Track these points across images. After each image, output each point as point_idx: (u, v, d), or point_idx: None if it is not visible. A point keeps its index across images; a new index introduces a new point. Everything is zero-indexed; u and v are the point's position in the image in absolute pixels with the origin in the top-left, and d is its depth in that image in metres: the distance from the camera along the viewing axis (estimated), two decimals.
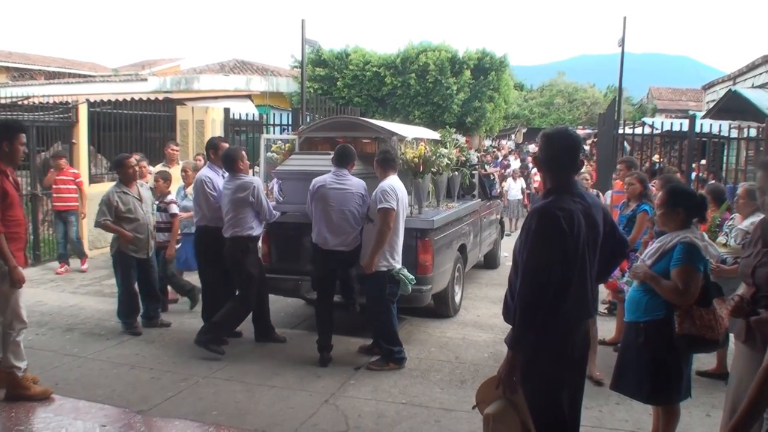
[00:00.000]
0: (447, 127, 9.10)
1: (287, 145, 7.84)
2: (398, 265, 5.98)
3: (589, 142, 23.56)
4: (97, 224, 6.68)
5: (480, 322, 7.46)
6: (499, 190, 11.31)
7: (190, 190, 7.80)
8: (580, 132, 25.05)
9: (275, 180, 7.00)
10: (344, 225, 5.96)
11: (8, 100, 10.93)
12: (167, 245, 7.48)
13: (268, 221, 6.57)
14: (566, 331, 3.06)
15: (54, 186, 9.83)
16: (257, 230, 6.42)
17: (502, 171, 19.09)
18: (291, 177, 6.77)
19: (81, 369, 5.82)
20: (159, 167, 9.03)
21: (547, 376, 3.07)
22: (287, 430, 4.62)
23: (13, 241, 4.85)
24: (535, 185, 17.53)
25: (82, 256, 10.19)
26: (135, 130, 12.68)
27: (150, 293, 7.07)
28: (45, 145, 11.29)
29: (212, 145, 6.91)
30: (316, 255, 6.11)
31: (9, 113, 10.72)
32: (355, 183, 6.05)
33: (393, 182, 5.97)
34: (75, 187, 9.90)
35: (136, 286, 6.95)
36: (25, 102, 11.73)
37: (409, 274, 6.00)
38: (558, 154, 3.15)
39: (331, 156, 6.21)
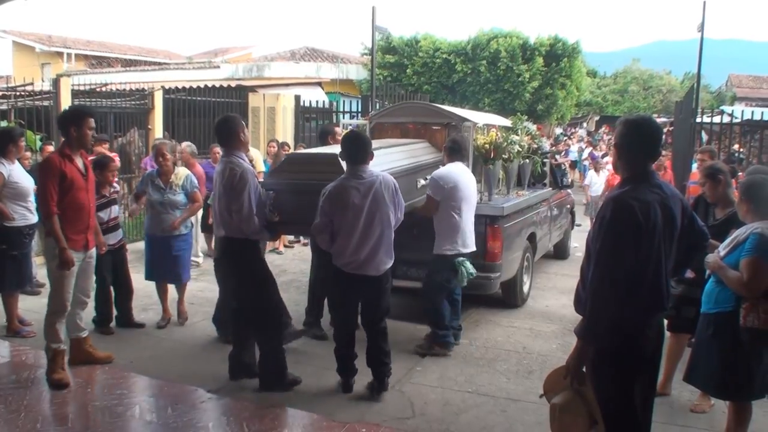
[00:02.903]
0: (518, 114, 8.95)
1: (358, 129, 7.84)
2: (465, 251, 5.93)
3: (665, 130, 22.89)
4: None
5: (548, 313, 7.34)
6: (570, 180, 11.06)
7: None
8: (659, 120, 24.33)
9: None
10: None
11: (87, 87, 11.25)
12: None
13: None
14: (639, 324, 2.98)
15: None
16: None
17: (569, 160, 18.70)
18: (285, 189, 5.13)
19: (154, 348, 5.99)
20: None
21: (617, 369, 2.99)
22: (354, 416, 4.63)
23: (71, 224, 4.95)
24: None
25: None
26: (208, 117, 12.92)
27: None
28: (122, 131, 11.63)
29: (328, 132, 7.02)
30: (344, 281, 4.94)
31: (88, 100, 11.05)
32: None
33: (447, 170, 5.96)
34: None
35: None
36: (103, 89, 12.07)
37: (470, 267, 5.92)
38: (637, 141, 3.05)
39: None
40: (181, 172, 6.51)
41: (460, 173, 5.98)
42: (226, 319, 5.77)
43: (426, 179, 6.06)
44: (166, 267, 6.53)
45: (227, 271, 5.27)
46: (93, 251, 5.33)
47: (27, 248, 6.15)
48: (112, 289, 6.39)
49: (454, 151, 6.08)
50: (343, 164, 4.88)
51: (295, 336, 5.82)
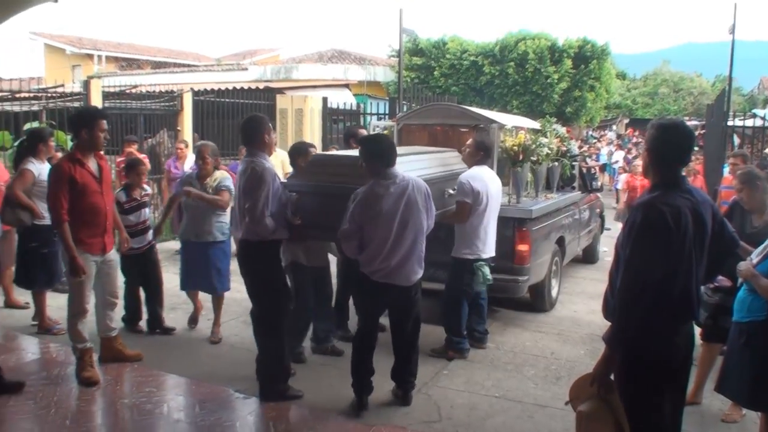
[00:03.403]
0: (546, 116, 8.88)
1: (385, 131, 7.83)
2: (484, 257, 5.85)
3: (696, 134, 22.62)
4: None
5: (577, 318, 7.27)
6: (600, 184, 10.95)
7: None
8: (689, 123, 24.02)
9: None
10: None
11: (117, 89, 11.39)
12: None
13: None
14: (668, 332, 2.93)
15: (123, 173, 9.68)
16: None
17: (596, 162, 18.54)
18: (309, 192, 4.96)
19: (183, 347, 6.03)
20: None
21: (646, 377, 2.95)
22: (381, 418, 4.63)
23: (87, 228, 4.94)
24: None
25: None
26: (236, 118, 12.99)
27: None
28: (152, 132, 11.74)
29: (352, 134, 6.88)
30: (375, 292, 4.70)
31: (118, 101, 11.18)
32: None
33: (476, 173, 5.84)
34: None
35: None
36: (133, 90, 12.21)
37: (487, 272, 5.83)
38: (669, 146, 3.01)
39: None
40: (218, 174, 6.11)
41: (488, 177, 5.92)
42: None
43: (454, 189, 5.89)
44: (200, 276, 6.16)
45: (242, 273, 4.99)
46: (112, 254, 5.31)
47: (56, 246, 6.18)
48: (142, 289, 6.38)
49: (481, 154, 5.97)
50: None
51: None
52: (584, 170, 9.91)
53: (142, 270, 6.33)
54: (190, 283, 6.31)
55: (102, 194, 5.06)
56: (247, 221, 4.62)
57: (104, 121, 5.07)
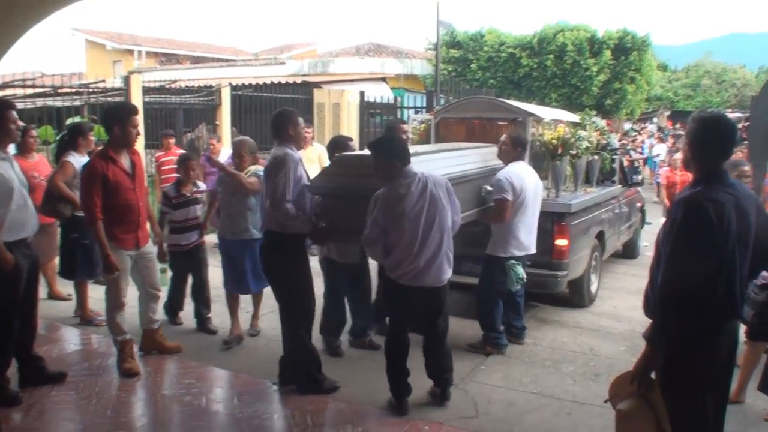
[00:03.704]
0: (586, 109, 8.77)
1: (423, 125, 7.80)
2: (518, 254, 5.76)
3: (739, 126, 22.13)
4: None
5: (617, 314, 7.16)
6: (641, 178, 10.75)
7: None
8: (730, 116, 23.58)
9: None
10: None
11: (157, 84, 11.53)
12: None
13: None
14: (711, 330, 2.86)
15: (162, 167, 9.55)
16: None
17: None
18: (332, 194, 4.78)
19: (222, 339, 6.03)
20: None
21: (688, 376, 2.88)
22: (417, 413, 4.61)
23: (120, 224, 4.97)
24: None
25: None
26: (274, 113, 13.07)
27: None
28: (191, 126, 11.86)
29: (393, 127, 6.59)
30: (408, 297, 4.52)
31: (158, 96, 11.32)
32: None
33: (514, 169, 5.72)
34: None
35: None
36: (172, 85, 12.34)
37: (520, 271, 5.73)
38: (711, 140, 2.93)
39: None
40: (252, 168, 5.91)
41: (526, 172, 5.82)
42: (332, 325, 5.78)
43: (492, 186, 5.75)
44: (236, 275, 5.96)
45: (262, 264, 5.01)
46: (149, 246, 5.34)
47: None
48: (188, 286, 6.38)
49: (518, 150, 5.86)
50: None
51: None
52: (628, 164, 9.77)
53: (188, 267, 6.32)
54: (226, 283, 6.10)
55: (135, 190, 5.08)
56: (268, 206, 4.63)
57: (136, 117, 5.10)
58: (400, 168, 4.36)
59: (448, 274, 4.51)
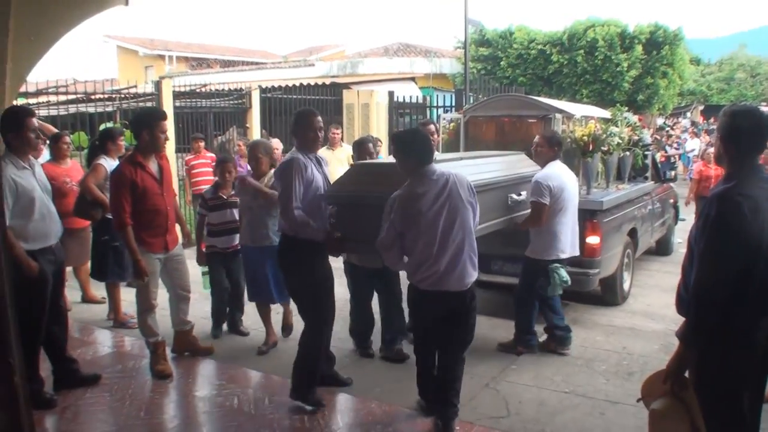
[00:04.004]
0: (617, 105, 8.66)
1: (452, 124, 7.76)
2: (563, 257, 5.63)
3: None
4: None
5: (650, 312, 7.06)
6: (674, 174, 10.59)
7: None
8: (765, 109, 23.12)
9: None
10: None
11: (187, 88, 11.65)
12: None
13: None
14: (746, 327, 2.80)
15: (193, 171, 9.65)
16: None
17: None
18: (348, 203, 4.58)
19: (254, 340, 6.06)
20: (324, 150, 8.95)
21: (723, 375, 2.83)
22: None
23: (147, 229, 4.99)
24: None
25: None
26: None
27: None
28: (221, 130, 11.97)
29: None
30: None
31: (189, 100, 11.44)
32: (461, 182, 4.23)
33: (552, 171, 5.60)
34: (211, 170, 9.12)
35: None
36: (203, 89, 12.46)
37: (564, 274, 5.56)
38: (743, 134, 2.87)
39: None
40: (273, 173, 5.44)
41: (565, 173, 5.69)
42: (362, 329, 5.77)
43: (519, 195, 5.54)
44: (260, 284, 5.79)
45: (280, 267, 4.81)
46: (178, 248, 5.36)
47: None
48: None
49: (555, 150, 5.72)
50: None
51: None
52: (663, 159, 9.63)
53: (226, 271, 6.21)
54: (251, 293, 5.92)
55: (162, 195, 5.11)
56: (280, 211, 4.60)
57: (165, 123, 5.13)
58: (420, 165, 4.10)
59: (472, 277, 4.20)
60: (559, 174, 5.61)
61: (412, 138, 4.29)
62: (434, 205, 4.01)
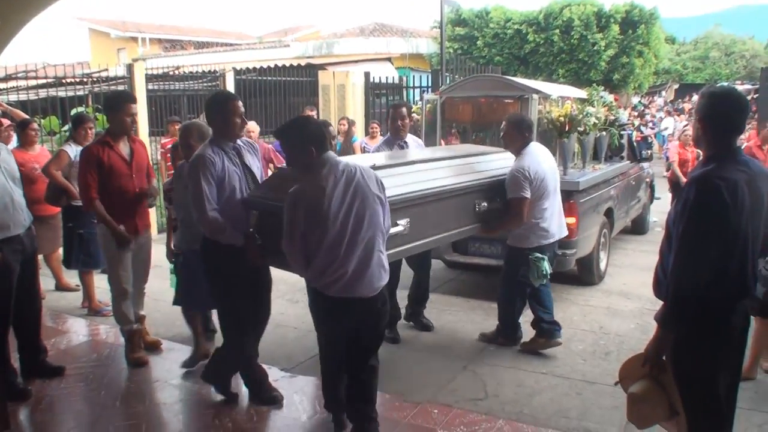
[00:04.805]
0: (593, 84, 8.66)
1: (428, 105, 7.71)
2: (545, 243, 5.24)
3: (749, 98, 21.89)
4: None
5: (626, 291, 7.11)
6: (650, 153, 10.63)
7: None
8: (739, 87, 23.28)
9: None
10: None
11: (161, 71, 11.48)
12: None
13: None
14: (724, 310, 2.81)
15: (167, 154, 9.06)
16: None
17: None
18: (265, 211, 4.07)
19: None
20: None
21: (701, 357, 2.83)
22: (425, 395, 4.59)
23: (116, 210, 4.93)
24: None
25: None
26: (279, 96, 13.02)
27: None
28: (195, 113, 11.82)
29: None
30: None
31: (162, 83, 11.27)
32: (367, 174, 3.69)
33: (531, 158, 5.15)
34: None
35: None
36: (176, 72, 12.29)
37: (545, 266, 5.17)
38: (722, 116, 2.85)
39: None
40: None
41: (542, 155, 5.26)
42: None
43: (483, 205, 4.97)
44: (193, 290, 4.91)
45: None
46: (143, 238, 5.25)
47: (93, 228, 5.88)
48: None
49: (525, 136, 5.27)
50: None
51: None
52: (640, 139, 9.64)
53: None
54: (184, 301, 5.12)
55: (132, 177, 5.05)
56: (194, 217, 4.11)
57: (132, 106, 5.04)
58: (318, 155, 3.57)
59: (383, 280, 3.70)
60: (537, 160, 5.18)
61: (301, 126, 3.72)
62: (341, 200, 3.50)
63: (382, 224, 3.66)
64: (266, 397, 4.49)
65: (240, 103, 4.21)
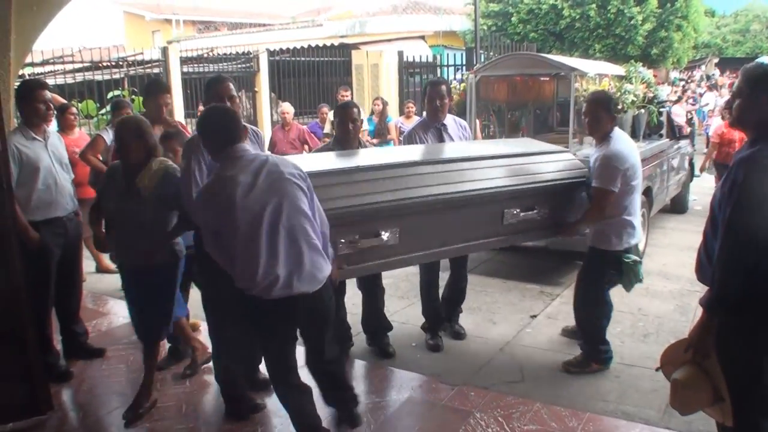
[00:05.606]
0: (631, 61, 8.49)
1: (462, 84, 7.64)
2: (633, 243, 4.58)
3: None
4: None
5: (666, 272, 6.99)
6: (689, 130, 10.41)
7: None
8: None
9: None
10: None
11: (195, 53, 11.56)
12: None
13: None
14: None
15: None
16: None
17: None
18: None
19: None
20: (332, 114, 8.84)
21: (748, 343, 2.76)
22: (462, 377, 4.58)
23: None
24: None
25: None
26: (313, 77, 13.04)
27: None
28: None
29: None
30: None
31: (196, 65, 11.35)
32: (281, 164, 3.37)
33: (619, 148, 4.42)
34: None
35: None
36: (210, 53, 12.36)
37: (641, 271, 4.58)
38: (765, 94, 2.73)
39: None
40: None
41: (632, 145, 4.62)
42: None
43: (515, 213, 4.50)
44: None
45: None
46: None
47: None
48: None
49: (613, 116, 4.58)
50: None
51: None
52: (687, 117, 9.39)
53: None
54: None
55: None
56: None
57: (165, 95, 5.03)
58: (224, 147, 3.30)
59: (325, 269, 3.33)
60: (629, 147, 4.52)
61: (206, 116, 3.46)
62: (251, 190, 3.17)
63: (305, 209, 3.28)
64: (238, 414, 4.15)
65: (229, 84, 3.97)
